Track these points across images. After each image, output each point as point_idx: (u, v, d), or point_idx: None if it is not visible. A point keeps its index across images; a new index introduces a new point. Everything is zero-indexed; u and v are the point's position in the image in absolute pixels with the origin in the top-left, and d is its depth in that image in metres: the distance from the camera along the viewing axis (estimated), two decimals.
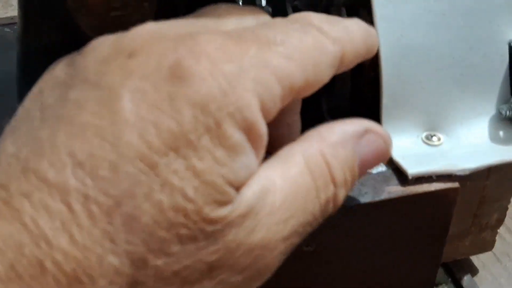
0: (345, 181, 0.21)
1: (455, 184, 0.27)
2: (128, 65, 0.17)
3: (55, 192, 0.16)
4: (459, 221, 0.31)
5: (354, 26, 0.22)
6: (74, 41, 0.29)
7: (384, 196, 0.26)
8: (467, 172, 0.27)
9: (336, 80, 0.30)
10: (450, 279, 0.35)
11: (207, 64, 0.17)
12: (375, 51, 0.24)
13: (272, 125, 0.23)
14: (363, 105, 0.31)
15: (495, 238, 0.34)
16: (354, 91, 0.31)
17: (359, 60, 0.23)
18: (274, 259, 0.19)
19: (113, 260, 0.16)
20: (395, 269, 0.30)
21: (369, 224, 0.27)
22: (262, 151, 0.19)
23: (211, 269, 0.18)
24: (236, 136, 0.17)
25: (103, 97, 0.17)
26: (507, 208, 0.32)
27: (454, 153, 0.28)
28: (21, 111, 0.18)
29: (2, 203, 0.16)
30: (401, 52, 0.27)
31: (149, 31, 0.19)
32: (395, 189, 0.27)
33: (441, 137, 0.29)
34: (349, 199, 0.26)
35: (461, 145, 0.28)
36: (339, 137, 0.21)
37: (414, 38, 0.27)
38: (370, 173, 0.28)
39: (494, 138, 0.29)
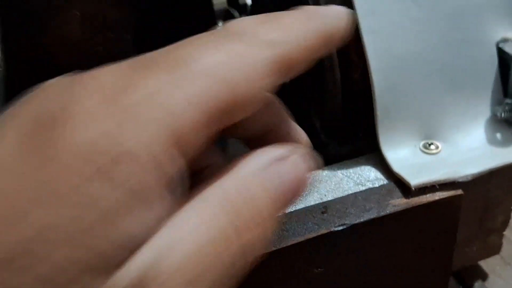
0: (271, 216, 0.17)
1: (459, 191, 0.27)
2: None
3: None
4: (465, 228, 0.31)
5: (300, 16, 0.18)
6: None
7: (389, 210, 0.26)
8: (469, 178, 0.27)
9: (326, 96, 0.30)
10: (461, 286, 0.35)
11: (92, 103, 0.15)
12: (341, 35, 0.19)
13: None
14: (356, 119, 0.30)
15: (501, 241, 0.34)
16: (346, 105, 0.30)
17: (319, 55, 0.19)
18: None
19: None
20: (407, 281, 0.30)
21: (377, 239, 0.27)
22: (176, 197, 0.16)
23: None
24: (132, 181, 0.14)
25: None
26: (511, 210, 0.32)
27: (453, 160, 0.28)
28: None
29: None
30: (390, 63, 0.27)
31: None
32: (399, 202, 0.26)
33: (439, 145, 0.28)
34: (354, 216, 0.26)
35: (460, 151, 0.28)
36: (255, 167, 0.18)
37: (402, 48, 0.27)
38: (373, 187, 0.27)
39: (492, 141, 0.28)
